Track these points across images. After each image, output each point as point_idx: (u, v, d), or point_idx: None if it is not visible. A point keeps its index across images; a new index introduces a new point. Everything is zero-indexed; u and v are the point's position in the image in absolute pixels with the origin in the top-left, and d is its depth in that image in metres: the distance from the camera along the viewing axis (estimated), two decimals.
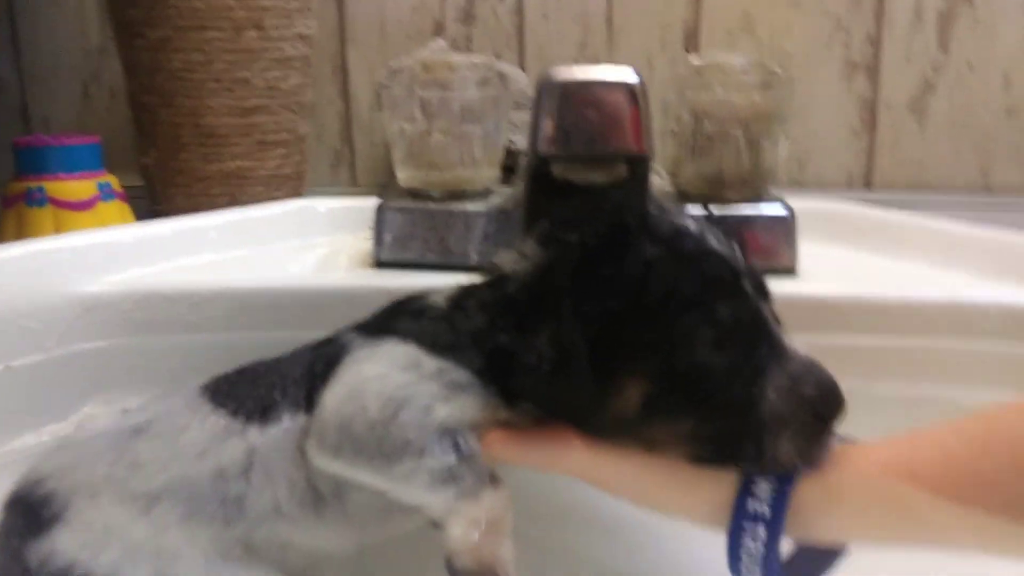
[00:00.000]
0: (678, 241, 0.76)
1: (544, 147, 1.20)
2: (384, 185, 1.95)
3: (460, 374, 0.78)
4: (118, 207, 2.00)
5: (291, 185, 2.16)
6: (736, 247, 0.79)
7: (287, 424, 0.81)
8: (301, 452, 0.80)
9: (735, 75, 1.37)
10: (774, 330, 0.76)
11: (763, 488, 0.74)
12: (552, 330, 0.73)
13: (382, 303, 0.91)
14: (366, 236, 1.48)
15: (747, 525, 0.74)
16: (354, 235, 1.62)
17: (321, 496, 0.81)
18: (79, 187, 1.96)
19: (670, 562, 1.10)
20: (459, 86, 1.37)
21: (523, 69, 2.38)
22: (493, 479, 0.77)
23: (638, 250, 0.75)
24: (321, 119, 2.66)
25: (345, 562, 0.89)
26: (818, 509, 0.74)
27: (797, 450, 0.73)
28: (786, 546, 0.76)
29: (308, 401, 0.81)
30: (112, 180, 2.04)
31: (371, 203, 1.42)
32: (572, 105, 1.18)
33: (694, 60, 1.43)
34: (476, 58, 1.41)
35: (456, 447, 0.76)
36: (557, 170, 1.18)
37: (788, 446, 0.72)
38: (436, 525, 0.77)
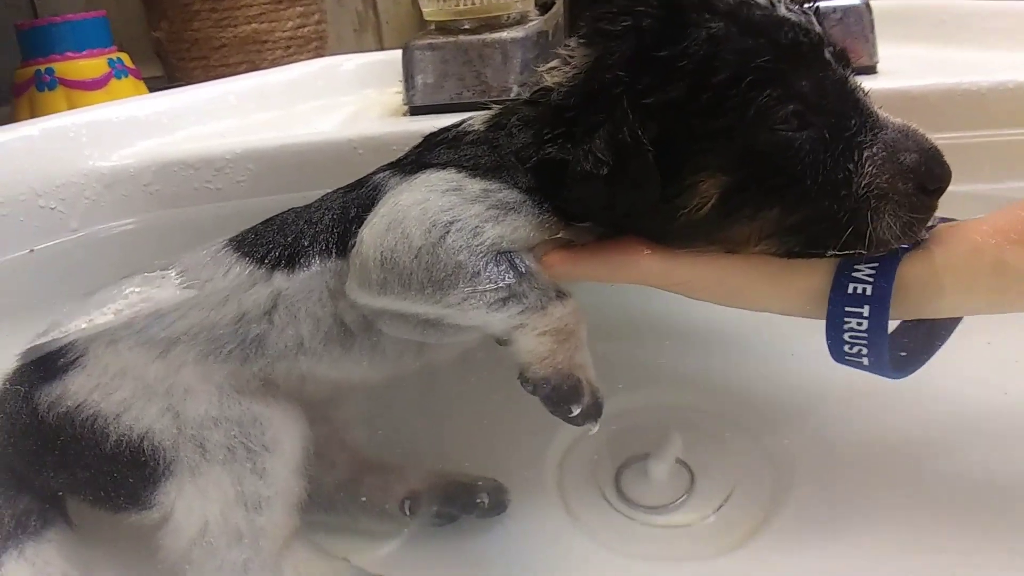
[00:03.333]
0: (744, 11, 0.66)
1: None
2: None
3: (508, 194, 0.71)
4: (132, 83, 1.91)
5: (313, 48, 2.05)
6: (813, 15, 0.69)
7: (316, 269, 0.75)
8: (330, 291, 0.75)
9: None
10: (863, 99, 0.67)
11: (863, 268, 0.67)
12: (608, 131, 0.64)
13: None
14: (396, 90, 1.38)
15: (850, 306, 0.67)
16: (382, 91, 1.51)
17: (348, 331, 0.76)
18: (89, 65, 1.86)
19: (751, 363, 1.03)
20: None
21: None
22: (560, 293, 0.70)
23: (699, 26, 0.65)
24: None
25: (370, 392, 0.86)
26: (925, 286, 0.67)
27: (900, 226, 0.65)
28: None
29: (341, 246, 0.75)
30: (124, 56, 1.93)
31: (399, 56, 1.30)
32: None
33: None
34: None
35: (513, 267, 0.69)
36: None
37: (890, 222, 0.65)
38: (502, 342, 0.71)
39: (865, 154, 0.65)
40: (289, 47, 1.99)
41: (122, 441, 0.72)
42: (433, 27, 1.32)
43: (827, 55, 0.67)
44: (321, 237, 0.76)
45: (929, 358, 0.73)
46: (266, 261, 0.76)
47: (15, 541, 0.75)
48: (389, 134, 1.16)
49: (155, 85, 2.05)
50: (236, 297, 0.75)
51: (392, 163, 0.80)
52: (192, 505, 0.72)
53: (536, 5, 1.42)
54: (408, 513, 0.87)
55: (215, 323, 0.75)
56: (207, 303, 0.75)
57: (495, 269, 0.68)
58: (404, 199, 0.72)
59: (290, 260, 0.76)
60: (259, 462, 0.73)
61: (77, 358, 0.75)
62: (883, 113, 0.68)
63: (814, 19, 0.68)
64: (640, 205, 0.67)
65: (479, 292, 0.68)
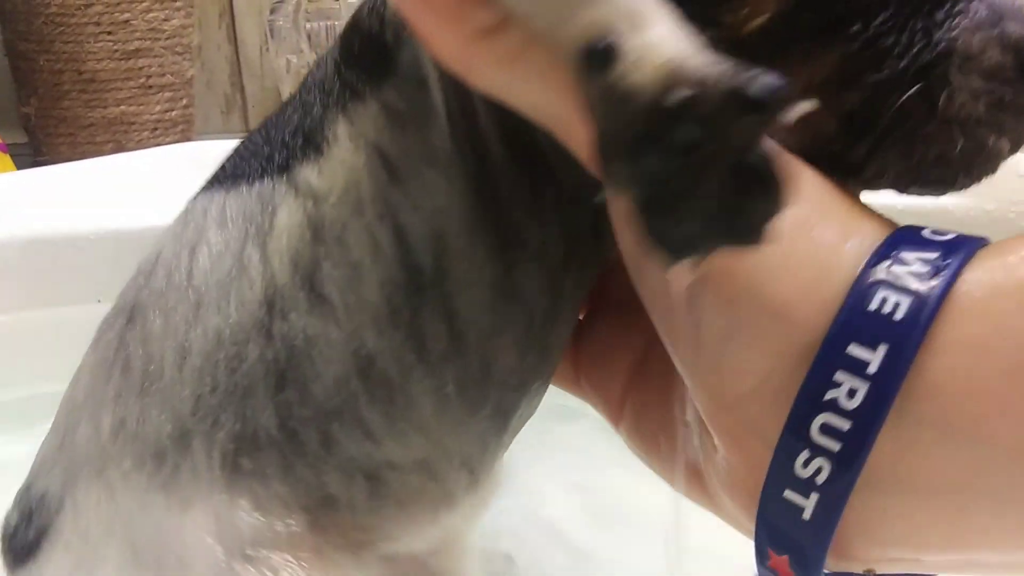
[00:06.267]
0: None
1: None
2: None
3: None
4: None
5: (179, 131, 2.12)
6: None
7: None
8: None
9: None
10: None
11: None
12: None
13: None
14: None
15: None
16: None
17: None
18: None
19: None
20: (346, 16, 1.34)
21: None
22: None
23: None
24: (210, 65, 2.59)
25: None
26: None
27: (987, 103, 0.47)
28: None
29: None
30: None
31: None
32: None
33: None
34: None
35: None
36: None
37: (970, 95, 0.47)
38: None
39: (959, 5, 0.49)
40: (156, 129, 2.05)
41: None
42: None
43: None
44: None
45: None
46: None
47: None
48: None
49: (19, 152, 2.06)
50: None
51: None
52: None
53: None
54: None
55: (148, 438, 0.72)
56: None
57: None
58: None
59: None
60: None
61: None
62: None
63: None
64: None
65: None
